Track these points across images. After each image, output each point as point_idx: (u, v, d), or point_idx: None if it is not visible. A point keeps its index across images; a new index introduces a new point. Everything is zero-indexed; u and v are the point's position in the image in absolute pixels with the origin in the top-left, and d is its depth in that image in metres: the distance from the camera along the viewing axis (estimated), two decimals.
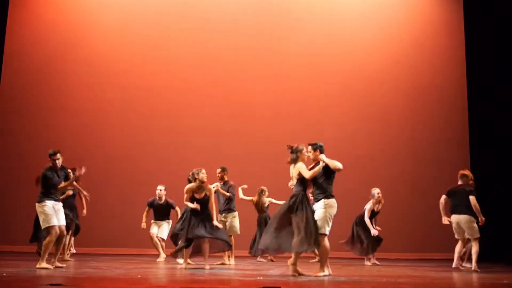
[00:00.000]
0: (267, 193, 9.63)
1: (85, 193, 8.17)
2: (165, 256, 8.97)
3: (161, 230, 9.14)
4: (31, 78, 12.06)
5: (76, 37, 12.27)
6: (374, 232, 8.84)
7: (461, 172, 8.14)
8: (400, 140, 12.31)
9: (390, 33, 12.67)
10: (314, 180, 6.25)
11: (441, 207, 8.01)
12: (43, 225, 6.77)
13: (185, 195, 7.25)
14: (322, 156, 6.25)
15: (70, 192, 8.41)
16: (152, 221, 9.22)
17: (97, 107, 12.03)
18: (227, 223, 8.54)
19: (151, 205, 9.15)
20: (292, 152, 6.39)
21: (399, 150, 12.26)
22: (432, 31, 12.75)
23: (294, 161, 6.34)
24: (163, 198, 9.07)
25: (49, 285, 4.57)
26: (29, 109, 11.96)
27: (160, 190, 9.04)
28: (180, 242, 7.64)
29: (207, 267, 7.13)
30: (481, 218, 7.70)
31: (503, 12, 11.89)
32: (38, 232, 8.12)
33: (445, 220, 7.99)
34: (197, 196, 7.21)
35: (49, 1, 12.52)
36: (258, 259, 9.59)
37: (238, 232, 8.64)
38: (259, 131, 11.94)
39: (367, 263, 9.07)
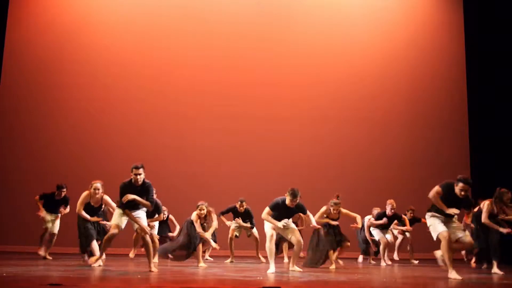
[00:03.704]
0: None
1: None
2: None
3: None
4: (31, 77, 12.06)
5: (76, 37, 12.27)
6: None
7: None
8: (400, 141, 12.31)
9: (390, 34, 12.68)
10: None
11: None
12: None
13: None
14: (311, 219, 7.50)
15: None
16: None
17: (97, 107, 12.02)
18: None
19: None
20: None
21: (399, 151, 12.26)
22: (432, 31, 12.75)
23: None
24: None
25: (49, 285, 4.57)
26: (28, 108, 11.95)
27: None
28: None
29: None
30: None
31: (502, 12, 11.90)
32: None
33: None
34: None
35: (49, 1, 12.52)
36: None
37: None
38: (259, 132, 11.94)
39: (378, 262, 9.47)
